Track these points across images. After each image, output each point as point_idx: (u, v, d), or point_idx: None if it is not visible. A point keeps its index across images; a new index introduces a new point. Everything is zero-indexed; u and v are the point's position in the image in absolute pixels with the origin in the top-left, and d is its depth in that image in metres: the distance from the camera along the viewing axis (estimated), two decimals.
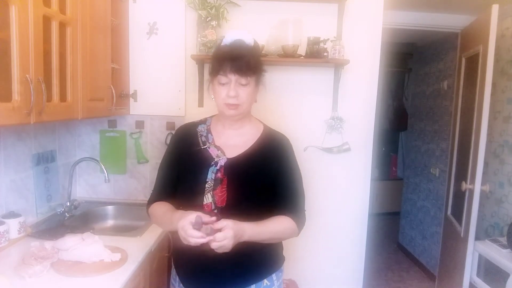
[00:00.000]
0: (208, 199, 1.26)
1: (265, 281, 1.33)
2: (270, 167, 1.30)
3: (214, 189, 1.26)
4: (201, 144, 1.34)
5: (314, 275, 2.47)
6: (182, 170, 1.34)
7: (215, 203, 1.25)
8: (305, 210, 1.36)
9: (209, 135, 1.37)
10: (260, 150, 1.33)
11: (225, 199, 1.25)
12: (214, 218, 1.13)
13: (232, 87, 1.24)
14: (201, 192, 1.26)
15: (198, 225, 1.12)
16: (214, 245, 1.11)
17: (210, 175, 1.27)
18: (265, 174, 1.30)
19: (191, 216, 1.13)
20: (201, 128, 1.39)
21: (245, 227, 1.17)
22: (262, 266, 1.33)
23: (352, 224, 2.45)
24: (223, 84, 1.25)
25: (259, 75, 1.31)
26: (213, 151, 1.32)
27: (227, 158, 1.30)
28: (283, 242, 1.43)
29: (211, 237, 1.10)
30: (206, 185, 1.27)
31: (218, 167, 1.28)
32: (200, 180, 1.27)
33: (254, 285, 1.31)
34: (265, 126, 1.41)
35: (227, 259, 1.18)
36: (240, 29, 1.33)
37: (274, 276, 1.36)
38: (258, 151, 1.32)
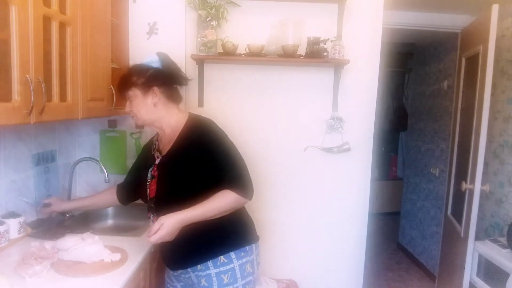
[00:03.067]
0: (148, 193, 1.55)
1: (222, 258, 1.48)
2: (191, 156, 1.46)
3: (150, 184, 1.54)
4: (153, 151, 1.64)
5: (314, 275, 2.47)
6: (142, 172, 1.63)
7: (148, 195, 1.55)
8: (243, 175, 1.47)
9: (157, 142, 1.66)
10: (181, 143, 1.50)
11: (154, 191, 1.52)
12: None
13: (126, 104, 1.57)
14: (145, 188, 1.57)
15: None
16: (152, 241, 1.39)
17: (149, 174, 1.56)
18: (185, 164, 1.46)
19: None
20: (155, 138, 1.69)
21: (179, 216, 1.40)
22: (215, 244, 1.49)
23: (352, 224, 2.45)
24: None
25: (140, 86, 1.51)
26: (156, 154, 1.60)
27: (162, 157, 1.55)
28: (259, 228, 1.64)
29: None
30: (147, 183, 1.56)
31: (153, 166, 1.55)
32: (144, 179, 1.58)
33: (210, 261, 1.47)
34: (188, 119, 1.55)
35: (182, 239, 1.43)
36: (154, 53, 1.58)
37: (232, 254, 1.49)
38: (177, 146, 1.50)
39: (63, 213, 1.96)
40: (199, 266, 1.49)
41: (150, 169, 1.56)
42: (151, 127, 1.62)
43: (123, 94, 1.56)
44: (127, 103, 1.56)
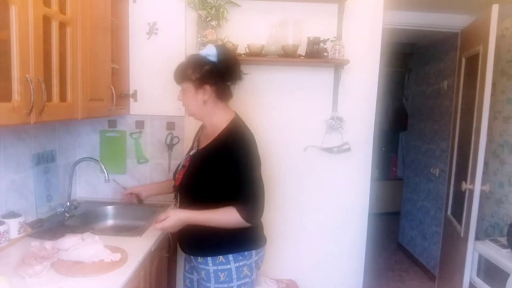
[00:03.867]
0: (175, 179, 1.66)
1: (220, 257, 1.55)
2: (216, 162, 1.52)
3: (178, 172, 1.64)
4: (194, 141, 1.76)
5: (314, 275, 2.47)
6: None
7: (175, 182, 1.65)
8: (255, 201, 1.53)
9: (200, 131, 1.76)
10: (213, 146, 1.57)
11: (180, 180, 1.61)
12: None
13: (179, 94, 1.62)
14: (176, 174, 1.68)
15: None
16: (155, 228, 1.54)
17: (182, 162, 1.67)
18: (211, 167, 1.53)
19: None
20: (200, 127, 1.78)
21: (185, 214, 1.52)
22: (215, 244, 1.56)
23: (352, 224, 2.44)
24: None
25: (196, 79, 1.54)
26: (194, 146, 1.71)
27: (197, 149, 1.65)
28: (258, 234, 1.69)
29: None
30: (178, 169, 1.67)
31: (187, 156, 1.67)
32: (178, 165, 1.70)
33: (210, 258, 1.56)
34: (230, 122, 1.60)
35: (189, 228, 1.55)
36: (213, 45, 1.58)
37: (230, 256, 1.56)
38: (211, 147, 1.57)
39: (142, 200, 1.98)
40: (199, 259, 1.58)
41: (185, 157, 1.68)
42: (199, 120, 1.68)
43: (177, 83, 1.61)
44: (180, 92, 1.61)
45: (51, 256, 1.44)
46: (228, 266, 1.55)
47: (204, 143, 1.62)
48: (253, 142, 1.59)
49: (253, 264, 1.62)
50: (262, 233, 1.71)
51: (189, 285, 1.77)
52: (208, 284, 1.56)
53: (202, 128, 1.75)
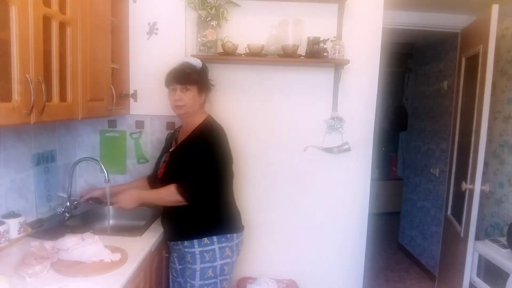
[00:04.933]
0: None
1: (205, 239, 1.75)
2: (188, 152, 1.76)
3: (160, 167, 1.87)
4: (172, 139, 1.94)
5: (314, 275, 2.47)
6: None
7: (158, 175, 1.87)
8: (194, 182, 1.70)
9: (177, 132, 1.96)
10: (188, 140, 1.80)
11: (162, 173, 1.83)
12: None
13: (177, 93, 1.77)
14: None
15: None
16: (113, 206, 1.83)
17: (163, 158, 1.89)
18: (185, 157, 1.76)
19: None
20: (178, 129, 2.00)
21: (136, 193, 1.81)
22: (201, 227, 1.77)
23: (352, 224, 2.45)
24: (173, 91, 1.79)
25: (200, 85, 1.81)
26: (173, 143, 1.91)
27: (175, 146, 1.86)
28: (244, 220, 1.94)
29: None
30: (160, 165, 1.88)
31: (167, 152, 1.88)
32: (159, 161, 1.92)
33: (196, 240, 1.75)
34: (204, 120, 1.84)
35: (177, 216, 1.79)
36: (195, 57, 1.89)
37: (214, 238, 1.76)
38: (187, 141, 1.81)
39: (101, 201, 2.08)
40: (186, 242, 1.77)
41: (165, 154, 1.88)
42: (182, 118, 1.87)
43: (183, 83, 1.77)
44: (180, 92, 1.76)
45: (51, 256, 1.44)
46: (212, 247, 1.75)
47: (181, 139, 1.85)
48: (222, 137, 1.81)
49: (234, 247, 1.83)
50: (240, 220, 1.92)
51: (174, 274, 1.95)
52: (194, 266, 1.75)
53: (178, 131, 1.95)
